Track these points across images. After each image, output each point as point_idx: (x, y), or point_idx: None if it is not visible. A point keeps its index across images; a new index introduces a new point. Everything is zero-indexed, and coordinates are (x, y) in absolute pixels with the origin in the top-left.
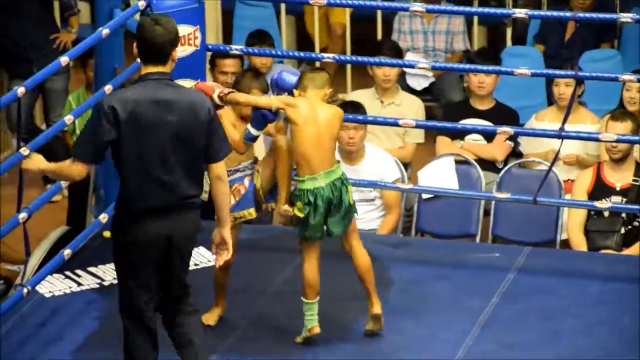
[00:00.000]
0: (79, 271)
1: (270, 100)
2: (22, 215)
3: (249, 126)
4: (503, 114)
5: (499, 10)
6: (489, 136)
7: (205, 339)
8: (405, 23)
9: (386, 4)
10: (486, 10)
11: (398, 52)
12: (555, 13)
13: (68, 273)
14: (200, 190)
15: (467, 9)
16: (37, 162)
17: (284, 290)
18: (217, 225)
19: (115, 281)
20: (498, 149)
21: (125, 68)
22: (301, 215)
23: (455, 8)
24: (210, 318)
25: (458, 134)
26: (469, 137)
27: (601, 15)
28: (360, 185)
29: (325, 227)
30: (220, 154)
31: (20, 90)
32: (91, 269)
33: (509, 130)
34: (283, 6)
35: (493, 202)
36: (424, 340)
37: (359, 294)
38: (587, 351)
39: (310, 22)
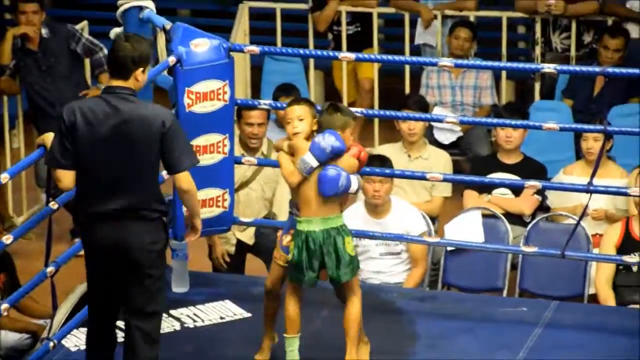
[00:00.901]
0: None
1: (283, 144)
2: (50, 269)
3: (306, 155)
4: (531, 168)
5: (527, 65)
6: (517, 190)
7: None
8: (433, 78)
9: (414, 58)
10: (514, 65)
11: (424, 106)
12: (584, 68)
13: None
14: (157, 203)
15: (496, 63)
16: (47, 138)
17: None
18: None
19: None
20: (526, 203)
21: None
22: (291, 255)
23: (484, 63)
24: (261, 356)
25: (485, 188)
26: (496, 191)
27: (630, 70)
28: (386, 239)
29: (327, 275)
30: (180, 165)
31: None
32: (118, 322)
33: (537, 184)
34: (312, 61)
35: (520, 256)
36: None
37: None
38: None
39: (338, 77)
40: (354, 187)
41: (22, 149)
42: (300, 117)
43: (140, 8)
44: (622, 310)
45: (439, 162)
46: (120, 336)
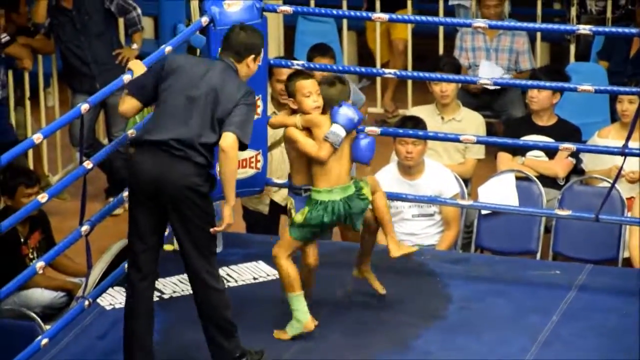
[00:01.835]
0: None
1: (296, 120)
2: (85, 228)
3: (335, 127)
4: (565, 131)
5: (562, 27)
6: (551, 153)
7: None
8: (468, 40)
9: (448, 19)
10: (550, 26)
11: (456, 68)
12: (619, 29)
13: None
14: (207, 153)
15: (531, 25)
16: (138, 67)
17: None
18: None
19: (175, 294)
20: (560, 166)
21: None
22: (300, 219)
23: (519, 24)
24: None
25: (519, 151)
26: (530, 154)
27: None
28: (419, 201)
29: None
30: (236, 129)
31: (84, 107)
32: None
33: (571, 146)
34: (345, 22)
35: (554, 219)
36: (483, 358)
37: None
38: None
39: (371, 38)
40: None
41: (56, 107)
42: (318, 92)
43: None
44: None
45: (472, 124)
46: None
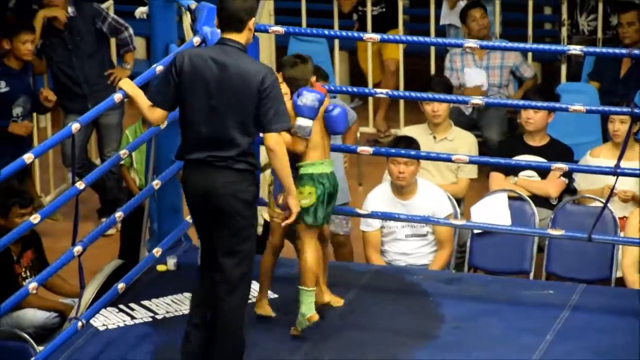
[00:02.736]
0: (132, 305)
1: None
2: (77, 249)
3: (300, 120)
4: (557, 151)
5: (553, 47)
6: (543, 173)
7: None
8: (457, 61)
9: (440, 40)
10: (541, 46)
11: (448, 88)
12: (610, 50)
13: (122, 306)
14: (246, 155)
15: (522, 45)
16: (128, 86)
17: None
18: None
19: (168, 315)
20: (552, 186)
21: None
22: (310, 200)
23: (510, 44)
24: (262, 308)
25: (512, 170)
26: (522, 174)
27: None
28: (412, 221)
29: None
30: (272, 126)
31: (75, 126)
32: (145, 302)
33: (564, 166)
34: (337, 42)
35: (547, 239)
36: None
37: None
38: None
39: (363, 58)
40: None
41: (48, 128)
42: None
43: None
44: None
45: (464, 144)
46: None
